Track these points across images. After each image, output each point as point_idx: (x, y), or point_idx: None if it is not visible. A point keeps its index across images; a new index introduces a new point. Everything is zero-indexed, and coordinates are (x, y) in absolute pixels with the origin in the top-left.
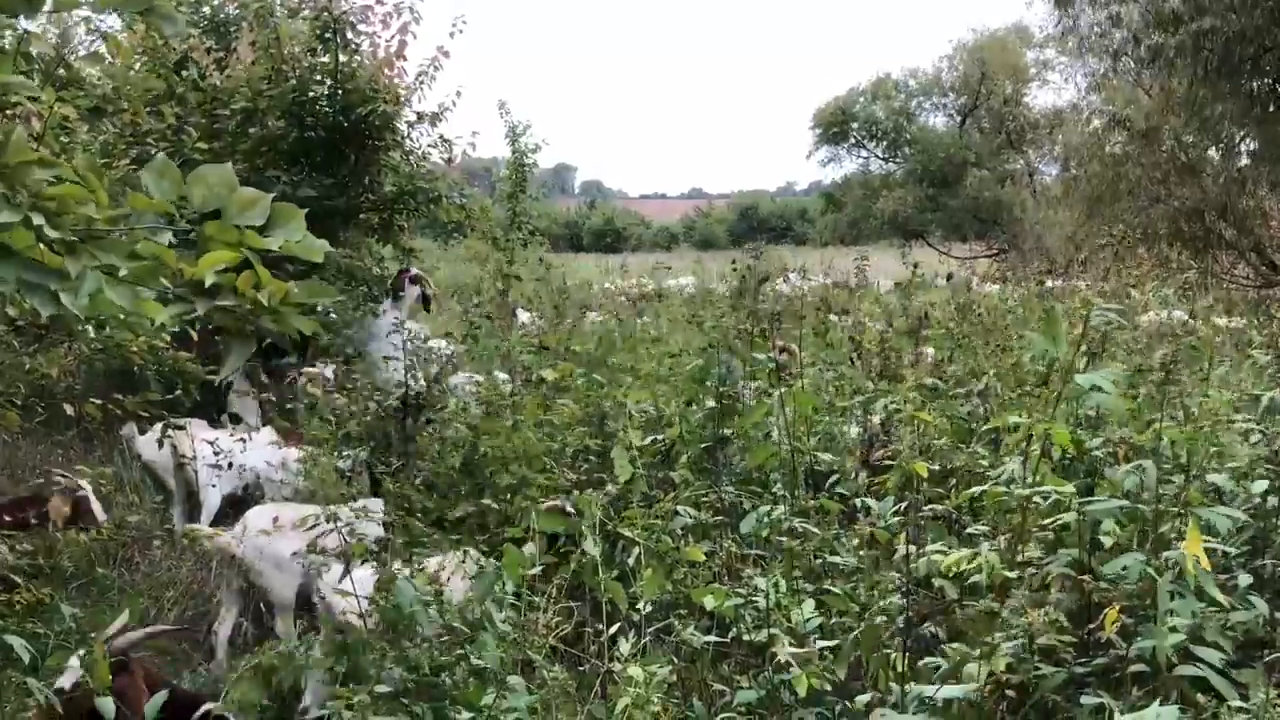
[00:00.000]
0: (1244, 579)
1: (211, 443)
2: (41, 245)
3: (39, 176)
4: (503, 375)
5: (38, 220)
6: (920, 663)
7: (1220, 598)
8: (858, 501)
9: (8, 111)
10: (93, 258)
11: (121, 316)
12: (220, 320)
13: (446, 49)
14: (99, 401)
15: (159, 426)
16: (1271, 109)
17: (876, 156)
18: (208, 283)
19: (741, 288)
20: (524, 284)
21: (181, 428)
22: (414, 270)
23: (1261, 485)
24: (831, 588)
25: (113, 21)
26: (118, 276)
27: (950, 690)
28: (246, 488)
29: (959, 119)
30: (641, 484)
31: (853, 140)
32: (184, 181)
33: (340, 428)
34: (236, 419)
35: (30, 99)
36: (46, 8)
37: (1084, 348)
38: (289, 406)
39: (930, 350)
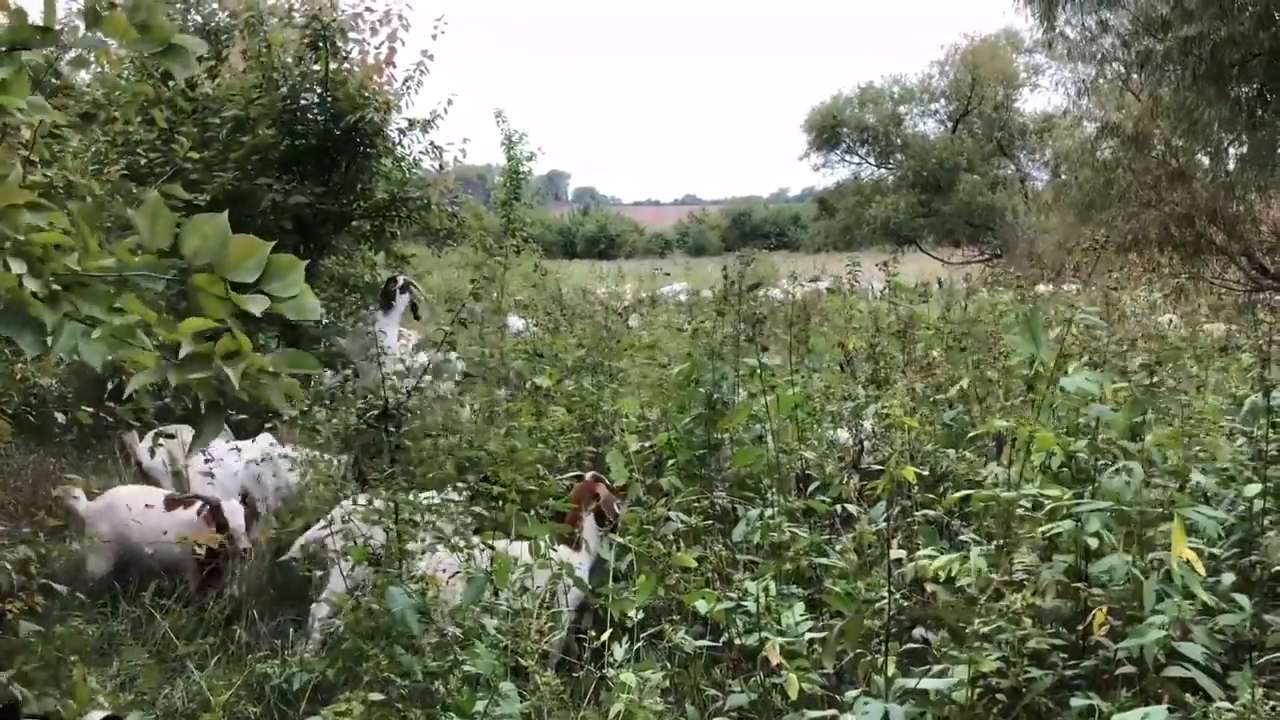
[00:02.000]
0: (1228, 578)
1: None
2: (26, 292)
3: (28, 221)
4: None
5: (18, 268)
6: (911, 667)
7: (1205, 597)
8: (847, 507)
9: None
10: (74, 307)
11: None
12: (197, 389)
13: (431, 53)
14: (91, 409)
15: (152, 434)
16: (1259, 114)
17: (868, 163)
18: (183, 353)
19: (727, 293)
20: (518, 290)
21: (173, 436)
22: (403, 278)
23: (1255, 488)
24: (831, 586)
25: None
26: (92, 335)
27: (933, 682)
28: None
29: (950, 124)
30: (636, 489)
31: (844, 146)
32: (176, 218)
33: (331, 435)
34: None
35: (18, 109)
36: (63, 42)
37: (1071, 352)
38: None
39: (936, 353)
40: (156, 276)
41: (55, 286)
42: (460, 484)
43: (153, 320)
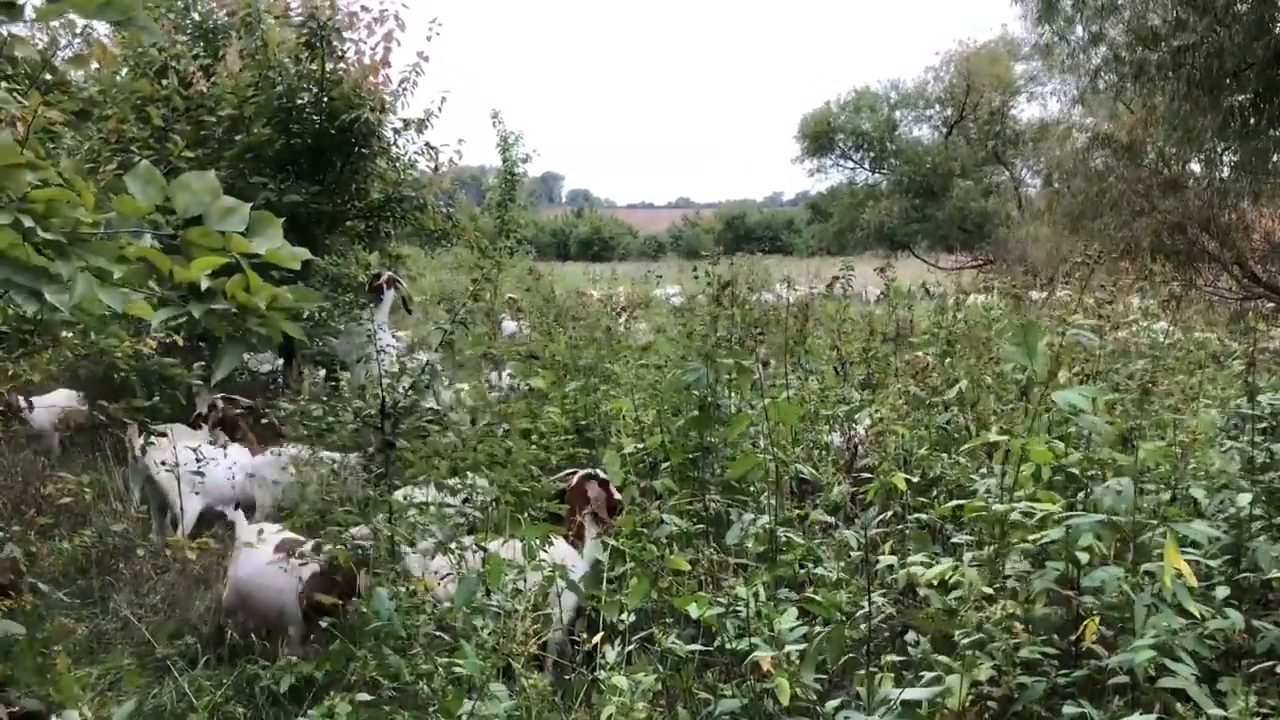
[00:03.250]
0: (1221, 591)
1: (195, 449)
2: (27, 247)
3: (26, 179)
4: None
5: (28, 223)
6: (905, 673)
7: (1195, 610)
8: (838, 514)
9: None
10: (82, 260)
11: (107, 315)
12: (212, 324)
13: (426, 54)
14: (83, 408)
15: (144, 433)
16: (1252, 123)
17: (862, 168)
18: (203, 286)
19: (719, 296)
20: (511, 291)
21: (164, 434)
22: (388, 274)
23: (1246, 498)
24: (812, 595)
25: (101, 27)
26: (109, 280)
27: (915, 691)
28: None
29: (945, 130)
30: (632, 490)
31: (838, 151)
32: (168, 187)
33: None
34: (204, 417)
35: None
36: (28, 16)
37: (1065, 364)
38: (264, 420)
39: (930, 357)
40: (149, 231)
41: (62, 240)
42: (454, 484)
43: (164, 263)
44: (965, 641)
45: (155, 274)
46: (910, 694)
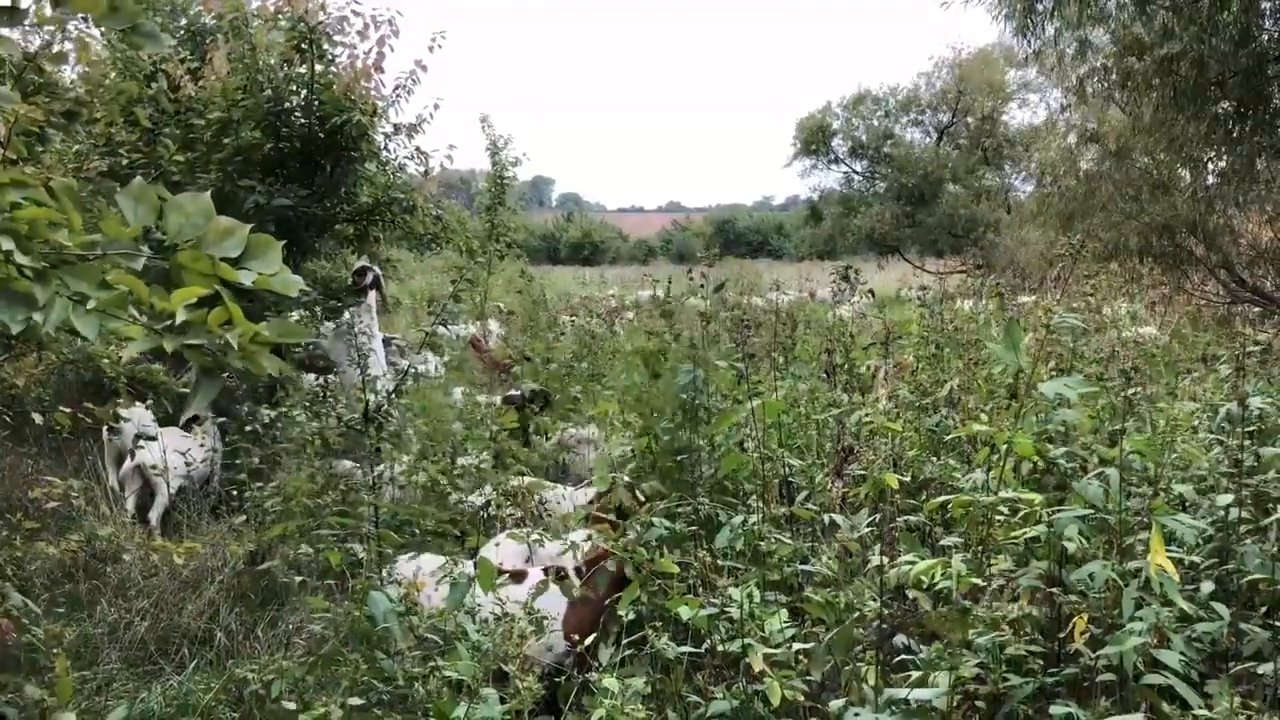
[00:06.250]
0: (1206, 587)
1: (184, 453)
2: (10, 267)
3: (10, 198)
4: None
5: (7, 245)
6: (891, 674)
7: (1184, 605)
8: (832, 517)
9: None
10: (63, 284)
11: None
12: (189, 357)
13: (425, 63)
14: (69, 410)
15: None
16: (1238, 130)
17: (856, 173)
18: (178, 320)
19: (711, 298)
20: (501, 296)
21: (154, 438)
22: (372, 272)
23: (1228, 497)
24: (810, 595)
25: (94, 31)
26: (86, 307)
27: (922, 693)
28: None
29: (936, 135)
30: (621, 495)
31: (833, 155)
32: (159, 201)
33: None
34: (197, 419)
35: None
36: (29, 20)
37: (1047, 360)
38: (249, 428)
39: (913, 358)
40: (139, 254)
41: (43, 264)
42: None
43: (144, 292)
44: (953, 639)
45: (136, 301)
46: (918, 694)
